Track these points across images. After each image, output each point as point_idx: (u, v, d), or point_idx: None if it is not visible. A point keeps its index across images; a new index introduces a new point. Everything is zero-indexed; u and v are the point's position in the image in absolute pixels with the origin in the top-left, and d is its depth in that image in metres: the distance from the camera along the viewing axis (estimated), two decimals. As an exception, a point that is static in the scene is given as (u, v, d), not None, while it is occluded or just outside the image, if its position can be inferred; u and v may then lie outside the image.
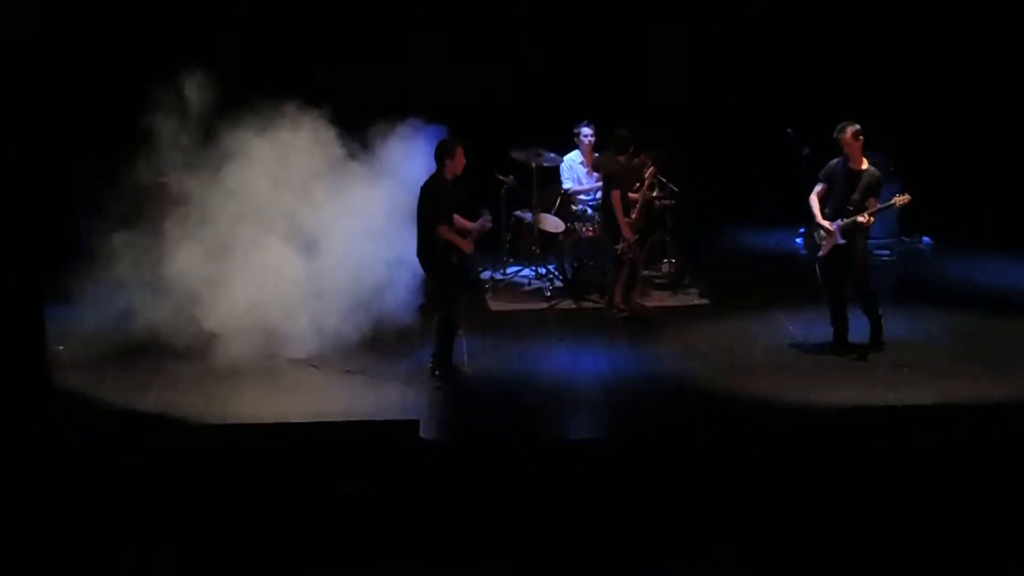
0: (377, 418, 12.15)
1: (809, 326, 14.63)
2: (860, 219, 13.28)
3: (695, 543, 9.22)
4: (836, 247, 13.46)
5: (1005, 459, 10.16)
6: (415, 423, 11.26)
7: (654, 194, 15.42)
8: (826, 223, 13.49)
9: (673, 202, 16.21)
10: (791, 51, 19.32)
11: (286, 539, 9.17)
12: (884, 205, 13.49)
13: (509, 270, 16.72)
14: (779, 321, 15.02)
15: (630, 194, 14.95)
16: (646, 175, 15.03)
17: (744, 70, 19.33)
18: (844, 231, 13.38)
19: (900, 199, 13.45)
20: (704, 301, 15.99)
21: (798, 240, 18.64)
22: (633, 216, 14.87)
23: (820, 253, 13.62)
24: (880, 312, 13.71)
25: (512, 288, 16.44)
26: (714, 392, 12.97)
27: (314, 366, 13.47)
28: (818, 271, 13.76)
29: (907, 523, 9.36)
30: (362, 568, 8.98)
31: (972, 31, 18.40)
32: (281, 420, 11.89)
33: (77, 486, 9.64)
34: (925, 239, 18.20)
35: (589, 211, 16.14)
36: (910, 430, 11.36)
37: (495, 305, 15.89)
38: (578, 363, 13.90)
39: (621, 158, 14.83)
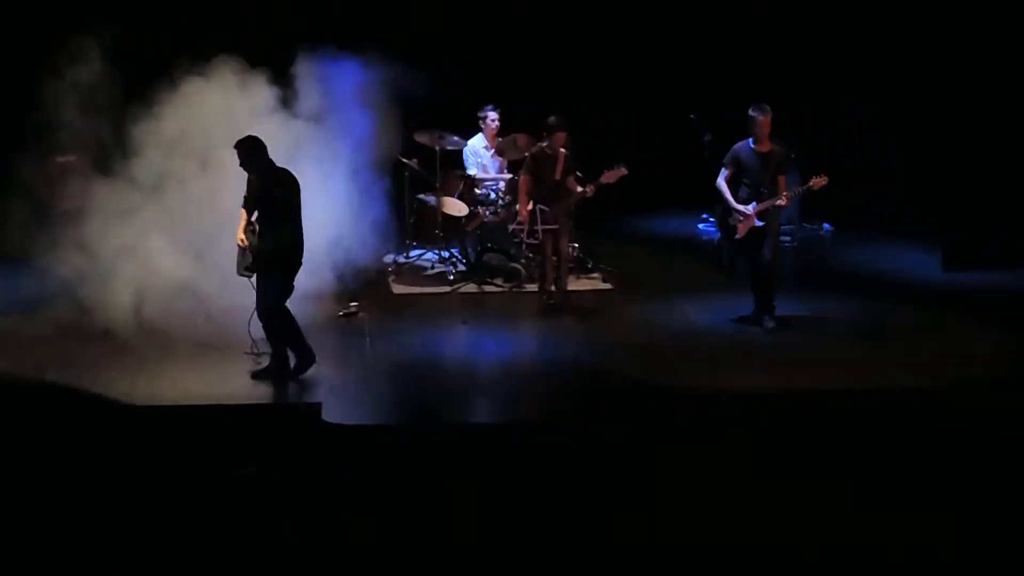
0: (279, 401, 12.13)
1: (708, 312, 14.75)
2: (780, 202, 13.73)
3: (596, 529, 9.22)
4: (752, 229, 13.79)
5: (897, 443, 10.25)
6: (317, 406, 11.20)
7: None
8: (742, 207, 13.77)
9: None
10: (694, 35, 19.42)
11: (184, 522, 9.07)
12: (803, 188, 13.87)
13: (412, 253, 16.67)
14: (680, 306, 15.09)
15: (586, 186, 14.68)
16: (608, 176, 14.59)
17: (649, 54, 19.39)
18: (761, 214, 13.73)
19: (817, 181, 13.74)
20: (606, 286, 16.03)
21: (700, 225, 18.77)
22: (562, 203, 14.70)
23: (737, 236, 13.92)
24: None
25: (415, 271, 16.40)
26: (615, 376, 13.02)
27: (216, 347, 13.32)
28: (729, 253, 14.06)
29: (810, 509, 9.41)
30: (262, 552, 8.90)
31: (875, 16, 18.55)
32: (182, 402, 11.80)
33: None
34: (825, 225, 18.37)
35: (492, 195, 16.12)
36: (809, 414, 11.44)
37: (398, 288, 15.85)
38: (480, 347, 13.91)
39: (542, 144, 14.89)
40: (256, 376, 12.62)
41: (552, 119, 14.64)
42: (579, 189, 14.64)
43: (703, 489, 9.38)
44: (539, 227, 14.66)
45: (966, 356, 13.34)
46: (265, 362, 12.77)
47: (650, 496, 9.35)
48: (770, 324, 13.98)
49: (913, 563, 8.73)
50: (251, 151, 12.36)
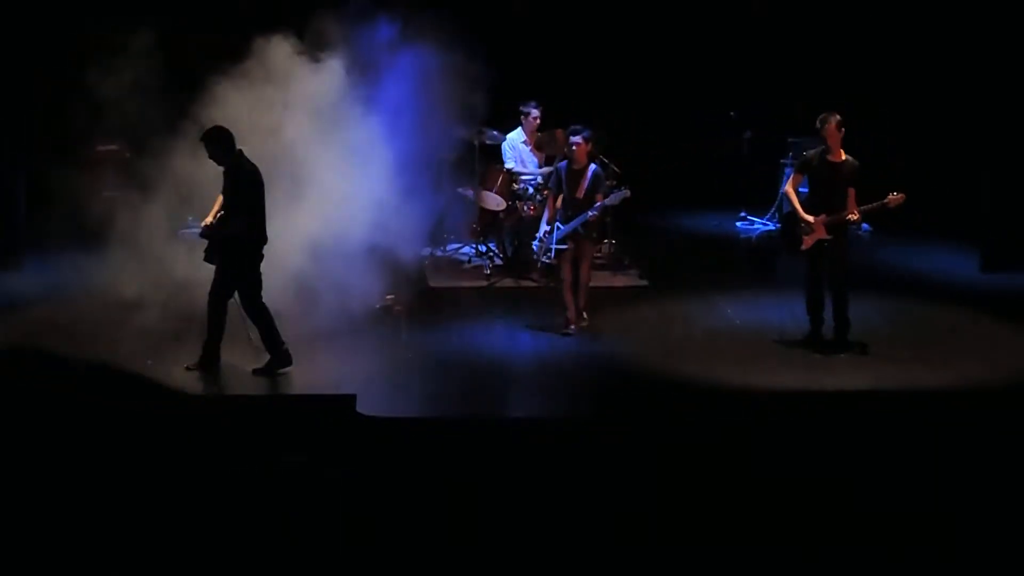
0: (314, 392, 12.18)
1: (746, 310, 14.74)
2: (851, 216, 12.98)
3: (623, 525, 9.24)
4: (819, 241, 13.16)
5: (936, 444, 10.23)
6: (352, 397, 11.25)
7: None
8: (810, 217, 13.16)
9: (615, 183, 16.26)
10: (737, 34, 19.45)
11: (221, 513, 9.14)
12: (878, 203, 13.06)
13: (449, 247, 16.72)
14: (717, 304, 15.09)
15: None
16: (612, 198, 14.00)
17: (689, 53, 19.42)
18: (830, 226, 13.09)
19: (894, 198, 13.00)
20: (643, 282, 16.06)
21: (738, 223, 18.78)
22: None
23: (803, 247, 13.27)
24: (848, 312, 13.40)
25: (452, 265, 16.45)
26: (650, 373, 13.02)
27: (250, 338, 13.35)
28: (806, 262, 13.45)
29: (838, 507, 9.41)
30: (299, 543, 8.97)
31: (914, 19, 18.53)
32: (218, 392, 11.87)
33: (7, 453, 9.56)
34: (864, 226, 18.30)
35: (531, 190, 16.16)
36: (844, 414, 11.43)
37: (435, 282, 15.90)
38: (516, 341, 13.93)
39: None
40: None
41: (570, 130, 14.00)
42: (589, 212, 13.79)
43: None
44: (555, 246, 13.92)
45: (994, 358, 13.32)
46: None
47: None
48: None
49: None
50: (214, 142, 12.36)
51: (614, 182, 16.16)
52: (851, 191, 13.04)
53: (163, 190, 13.75)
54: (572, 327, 13.94)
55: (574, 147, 13.85)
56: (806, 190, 13.60)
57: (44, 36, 15.77)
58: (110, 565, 8.66)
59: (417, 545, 8.88)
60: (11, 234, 15.53)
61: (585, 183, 13.83)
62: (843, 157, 13.09)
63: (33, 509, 8.96)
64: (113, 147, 14.81)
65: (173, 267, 13.69)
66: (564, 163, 14.06)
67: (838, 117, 13.01)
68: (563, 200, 13.92)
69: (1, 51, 15.35)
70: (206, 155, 12.47)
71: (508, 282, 15.81)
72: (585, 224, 13.82)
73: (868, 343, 13.57)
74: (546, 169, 16.40)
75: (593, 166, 13.95)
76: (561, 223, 13.86)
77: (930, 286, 15.95)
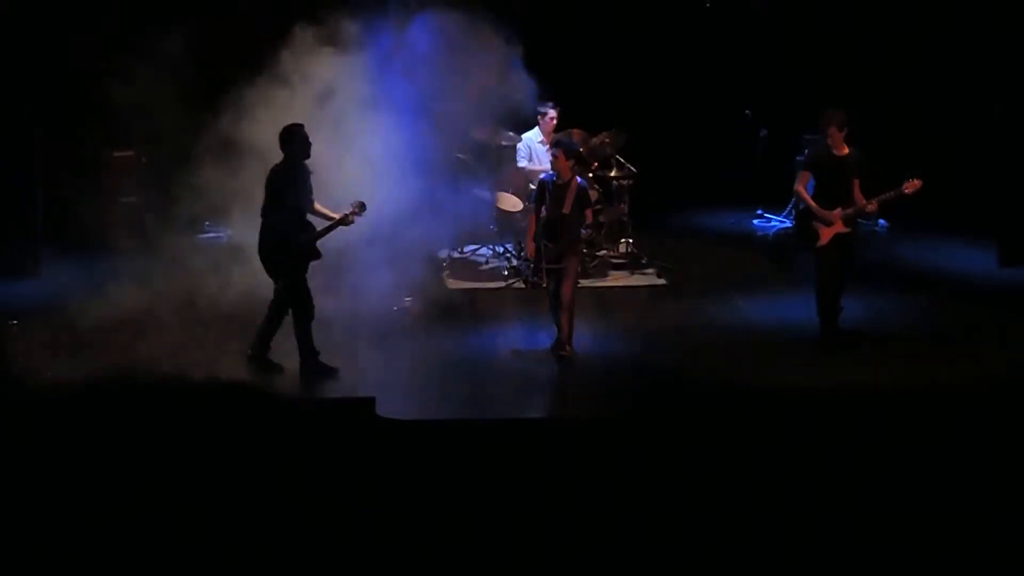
0: (334, 395, 12.18)
1: (763, 307, 14.72)
2: (870, 207, 13.10)
3: (643, 525, 9.24)
4: (837, 235, 13.16)
5: (950, 442, 10.20)
6: (371, 400, 11.25)
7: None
8: (827, 212, 13.13)
9: (632, 182, 16.26)
10: (751, 33, 19.43)
11: (238, 515, 9.15)
12: (895, 192, 13.08)
13: (466, 248, 16.71)
14: (734, 302, 15.08)
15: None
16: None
17: (704, 52, 19.41)
18: (847, 219, 13.11)
19: (911, 184, 13.07)
20: (661, 281, 16.04)
21: (755, 221, 18.75)
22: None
23: (820, 243, 13.19)
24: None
25: (469, 266, 16.43)
26: (669, 371, 13.02)
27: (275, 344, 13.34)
28: (814, 259, 13.40)
29: (852, 505, 9.40)
30: (317, 547, 8.97)
31: (929, 11, 18.51)
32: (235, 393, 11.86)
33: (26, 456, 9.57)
34: (881, 221, 18.29)
35: (547, 190, 16.13)
36: (862, 410, 11.41)
37: (452, 283, 15.89)
38: (534, 342, 13.90)
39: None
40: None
41: (552, 140, 13.73)
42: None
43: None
44: (543, 265, 13.37)
45: (1013, 353, 13.28)
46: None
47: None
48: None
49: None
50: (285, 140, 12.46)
51: (631, 182, 16.18)
52: (856, 182, 13.17)
53: (180, 195, 13.78)
54: (568, 348, 13.37)
55: (553, 159, 13.40)
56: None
57: (61, 41, 15.80)
58: (128, 562, 8.71)
59: (435, 545, 8.91)
60: (28, 240, 15.55)
61: (571, 198, 13.17)
62: (847, 151, 13.20)
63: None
64: (129, 153, 14.81)
65: (191, 272, 13.72)
66: (549, 176, 13.55)
67: (840, 117, 13.13)
68: (548, 215, 13.31)
69: (18, 55, 15.37)
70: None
71: (525, 283, 15.79)
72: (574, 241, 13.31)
73: (886, 339, 13.63)
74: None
75: (579, 180, 13.35)
76: (544, 239, 13.30)
77: (948, 281, 15.92)
